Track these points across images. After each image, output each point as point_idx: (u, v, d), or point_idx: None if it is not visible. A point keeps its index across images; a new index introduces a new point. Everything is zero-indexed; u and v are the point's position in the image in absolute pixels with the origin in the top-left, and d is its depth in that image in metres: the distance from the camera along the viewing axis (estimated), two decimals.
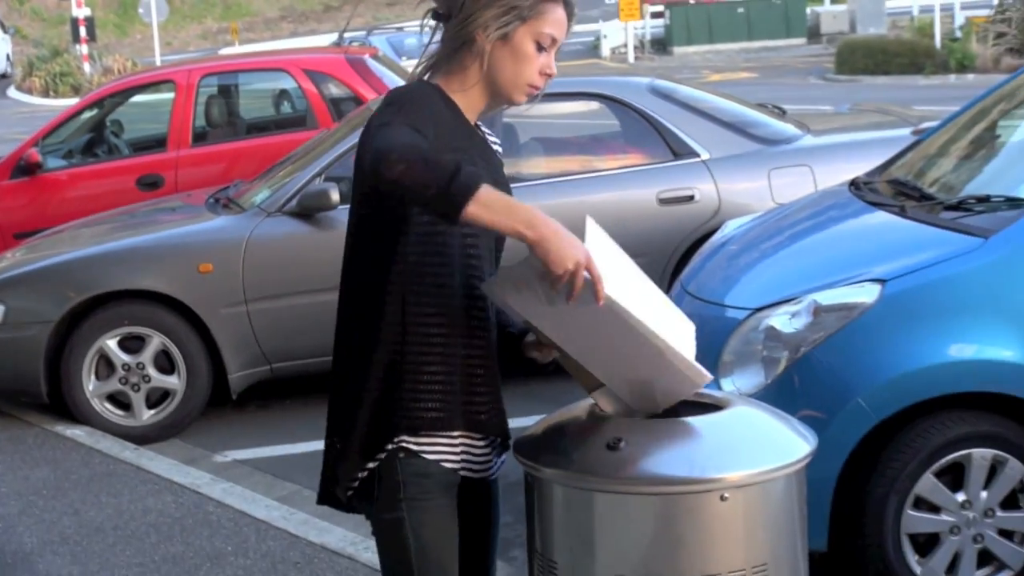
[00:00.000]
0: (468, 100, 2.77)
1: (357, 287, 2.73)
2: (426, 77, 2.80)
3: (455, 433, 2.67)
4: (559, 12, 2.73)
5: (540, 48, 2.71)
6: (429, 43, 2.84)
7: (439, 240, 2.65)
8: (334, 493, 2.78)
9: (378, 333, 2.64)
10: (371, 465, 2.66)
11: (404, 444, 2.63)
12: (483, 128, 2.91)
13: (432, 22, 2.81)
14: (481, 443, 2.74)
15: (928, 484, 4.19)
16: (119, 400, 6.90)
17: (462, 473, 2.72)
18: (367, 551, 4.98)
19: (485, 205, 2.40)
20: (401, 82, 10.01)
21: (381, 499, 2.67)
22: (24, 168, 9.39)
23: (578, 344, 2.58)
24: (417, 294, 2.63)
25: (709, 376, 2.66)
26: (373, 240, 2.69)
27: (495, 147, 2.93)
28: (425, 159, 2.43)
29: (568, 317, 2.51)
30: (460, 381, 2.66)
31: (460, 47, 2.72)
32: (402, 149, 2.43)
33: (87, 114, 10.07)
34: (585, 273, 2.38)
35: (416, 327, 2.63)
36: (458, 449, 2.69)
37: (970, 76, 24.73)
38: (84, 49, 36.71)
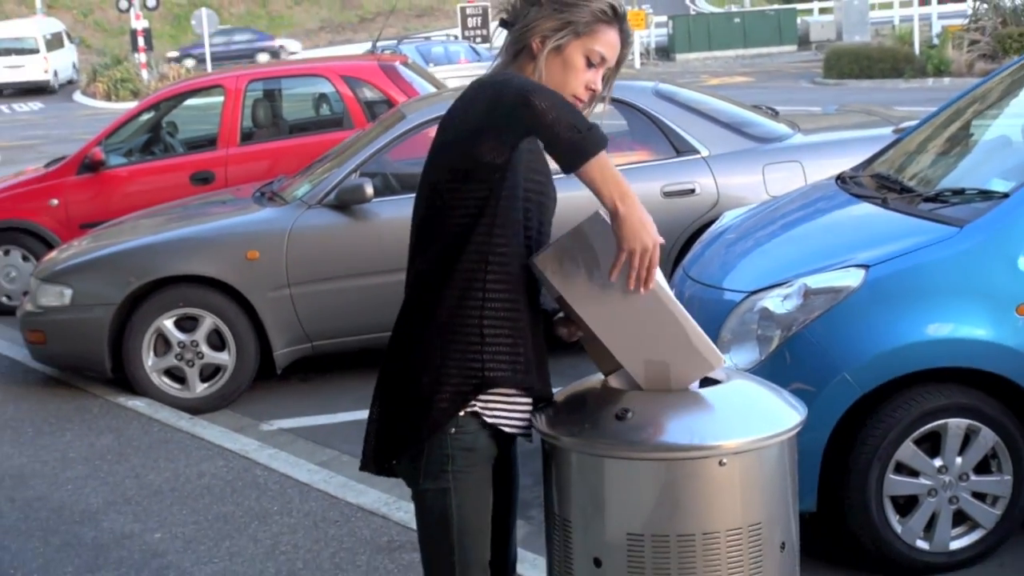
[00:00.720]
0: None
1: (431, 265, 2.67)
2: None
3: (520, 394, 2.70)
4: (612, 34, 2.72)
5: (590, 64, 2.70)
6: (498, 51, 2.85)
7: (513, 217, 2.66)
8: (377, 460, 2.79)
9: (455, 303, 2.63)
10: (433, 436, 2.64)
11: (474, 408, 2.64)
12: None
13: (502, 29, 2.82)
14: (529, 405, 2.73)
15: (908, 451, 4.18)
16: (175, 374, 6.92)
17: (517, 433, 2.74)
18: (399, 511, 4.99)
19: (601, 166, 2.48)
20: (429, 87, 10.10)
21: (429, 470, 2.68)
22: (89, 165, 9.42)
23: (606, 322, 2.59)
24: (494, 265, 2.63)
25: (724, 359, 2.69)
26: (450, 216, 2.64)
27: None
28: (570, 104, 2.52)
29: (603, 295, 2.55)
30: (526, 348, 2.68)
31: (520, 51, 2.72)
32: (549, 91, 2.50)
33: (145, 116, 10.09)
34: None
35: (491, 299, 2.64)
36: (519, 411, 2.71)
37: (946, 80, 24.61)
38: (142, 57, 36.86)
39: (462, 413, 2.64)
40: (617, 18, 2.73)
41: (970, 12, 28.32)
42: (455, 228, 2.63)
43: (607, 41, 2.72)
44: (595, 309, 2.58)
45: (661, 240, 2.51)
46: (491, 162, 2.57)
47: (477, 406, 2.64)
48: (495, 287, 2.63)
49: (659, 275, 2.57)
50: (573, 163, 2.46)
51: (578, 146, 2.45)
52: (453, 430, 2.65)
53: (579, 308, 2.59)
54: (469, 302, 2.63)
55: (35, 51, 43.20)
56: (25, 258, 9.52)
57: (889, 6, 41.27)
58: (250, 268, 6.87)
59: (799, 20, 42.17)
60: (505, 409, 2.70)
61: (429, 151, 2.74)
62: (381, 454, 2.77)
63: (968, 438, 4.21)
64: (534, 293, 2.71)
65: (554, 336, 2.83)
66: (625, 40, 2.77)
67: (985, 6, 27.21)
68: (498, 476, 2.78)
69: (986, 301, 4.18)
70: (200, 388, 6.91)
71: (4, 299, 9.54)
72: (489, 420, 2.67)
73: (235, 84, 9.74)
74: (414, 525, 4.79)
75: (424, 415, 2.64)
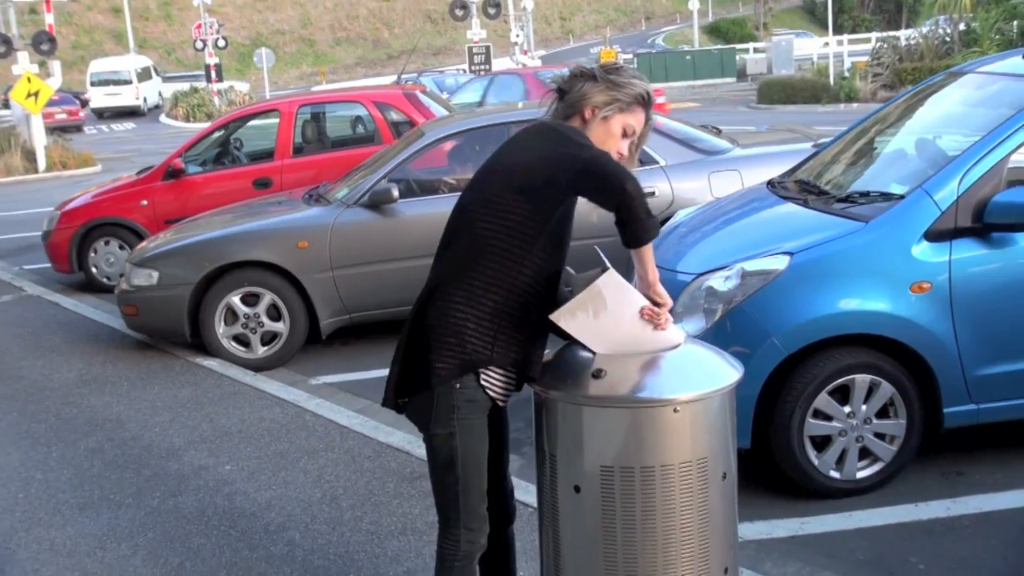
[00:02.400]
0: None
1: (483, 257, 2.66)
2: None
3: (511, 372, 2.73)
4: (643, 114, 2.82)
5: (624, 134, 2.78)
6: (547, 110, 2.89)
7: (558, 233, 2.71)
8: (395, 396, 2.82)
9: (481, 292, 2.65)
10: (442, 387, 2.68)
11: (483, 373, 2.69)
12: None
13: (554, 95, 2.85)
14: (515, 379, 2.77)
15: (823, 400, 4.19)
16: (241, 340, 6.91)
17: (500, 401, 2.77)
18: (419, 448, 4.95)
19: (650, 248, 2.61)
20: (443, 110, 10.08)
21: (438, 417, 2.71)
22: (172, 173, 9.40)
23: (603, 342, 2.65)
24: (530, 268, 2.66)
25: (684, 336, 2.74)
26: (511, 223, 2.64)
27: None
28: (645, 195, 2.59)
29: (605, 328, 2.64)
30: (530, 341, 2.72)
31: (572, 115, 2.78)
32: (635, 178, 2.56)
33: (216, 134, 10.05)
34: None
35: (515, 298, 2.66)
36: (508, 383, 2.76)
37: (855, 105, 24.60)
38: (214, 87, 36.74)
39: (473, 374, 2.68)
40: (649, 103, 2.83)
41: (873, 50, 28.35)
42: (503, 234, 2.64)
43: (640, 119, 2.82)
44: (598, 338, 2.65)
45: (670, 302, 2.68)
46: (557, 195, 2.63)
47: (480, 373, 2.69)
48: (524, 289, 2.67)
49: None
50: (639, 242, 2.57)
51: (648, 231, 2.55)
52: (458, 385, 2.68)
53: (587, 341, 2.65)
54: (489, 299, 2.65)
55: (128, 82, 43.20)
56: (121, 247, 9.52)
57: (809, 46, 41.23)
58: (300, 255, 6.86)
59: (738, 57, 42.14)
60: (499, 380, 2.74)
61: (488, 170, 2.76)
62: (399, 390, 2.80)
63: (871, 390, 4.22)
64: (550, 297, 2.75)
65: None
66: (648, 121, 2.85)
67: (885, 46, 27.22)
68: (492, 425, 2.80)
69: (886, 281, 4.18)
70: (261, 351, 6.91)
71: (105, 280, 9.55)
72: (483, 384, 2.71)
73: (288, 108, 9.71)
74: None
75: (440, 371, 2.66)
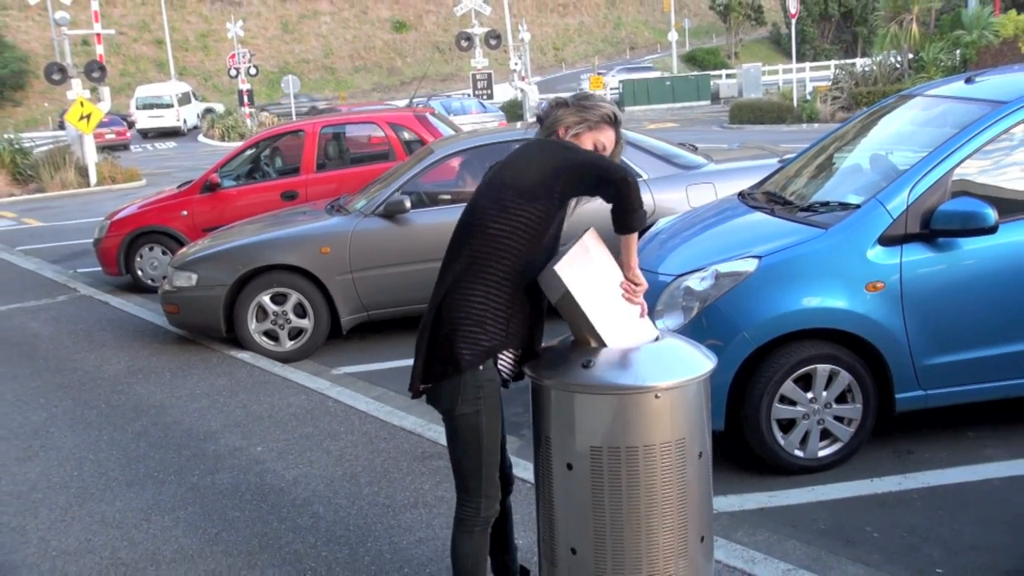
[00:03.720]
0: None
1: (498, 255, 2.70)
2: None
3: (515, 353, 2.81)
4: (611, 132, 2.87)
5: (595, 149, 2.83)
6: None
7: (548, 232, 2.74)
8: (423, 380, 2.80)
9: (496, 288, 2.70)
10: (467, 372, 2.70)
11: (500, 356, 2.76)
12: None
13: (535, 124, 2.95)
14: (519, 361, 2.83)
15: (789, 387, 4.18)
16: (270, 335, 6.91)
17: (508, 377, 2.84)
18: (430, 431, 5.00)
19: (634, 237, 2.75)
20: (449, 130, 10.08)
21: (465, 398, 2.72)
22: (209, 187, 9.40)
23: (594, 301, 2.69)
24: (538, 262, 2.72)
25: (656, 332, 2.76)
26: (523, 224, 2.69)
27: None
28: (638, 200, 2.68)
29: (595, 284, 2.72)
30: (536, 320, 2.82)
31: (550, 136, 2.85)
32: (633, 175, 2.67)
33: (249, 152, 10.05)
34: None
35: (529, 284, 2.73)
36: (513, 363, 2.82)
37: (816, 125, 24.55)
38: (246, 110, 36.71)
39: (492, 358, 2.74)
40: (616, 123, 2.88)
41: (832, 76, 28.31)
42: (515, 234, 2.69)
43: (609, 136, 2.87)
44: (592, 300, 2.69)
45: (646, 285, 2.80)
46: (564, 196, 2.72)
47: (498, 356, 2.75)
48: (531, 280, 2.73)
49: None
50: (628, 229, 2.71)
51: (638, 220, 2.68)
52: (481, 367, 2.71)
53: (578, 293, 2.67)
54: (504, 291, 2.70)
55: (170, 106, 43.18)
56: (164, 253, 9.52)
57: (776, 72, 41.23)
58: (324, 259, 6.86)
59: (712, 82, 42.07)
60: (509, 361, 2.81)
61: (498, 179, 2.78)
62: (424, 377, 2.78)
63: (831, 378, 4.21)
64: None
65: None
66: (619, 138, 2.89)
67: (843, 72, 27.19)
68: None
69: (844, 281, 4.17)
70: (288, 344, 6.90)
71: (149, 281, 9.54)
72: (499, 367, 2.77)
73: (312, 128, 9.71)
74: (442, 441, 4.85)
75: (468, 357, 2.69)
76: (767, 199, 5.08)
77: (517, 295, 2.72)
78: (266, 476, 4.63)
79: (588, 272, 2.69)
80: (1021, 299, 4.22)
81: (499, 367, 2.77)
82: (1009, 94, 4.50)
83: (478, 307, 2.69)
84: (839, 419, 4.27)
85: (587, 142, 2.83)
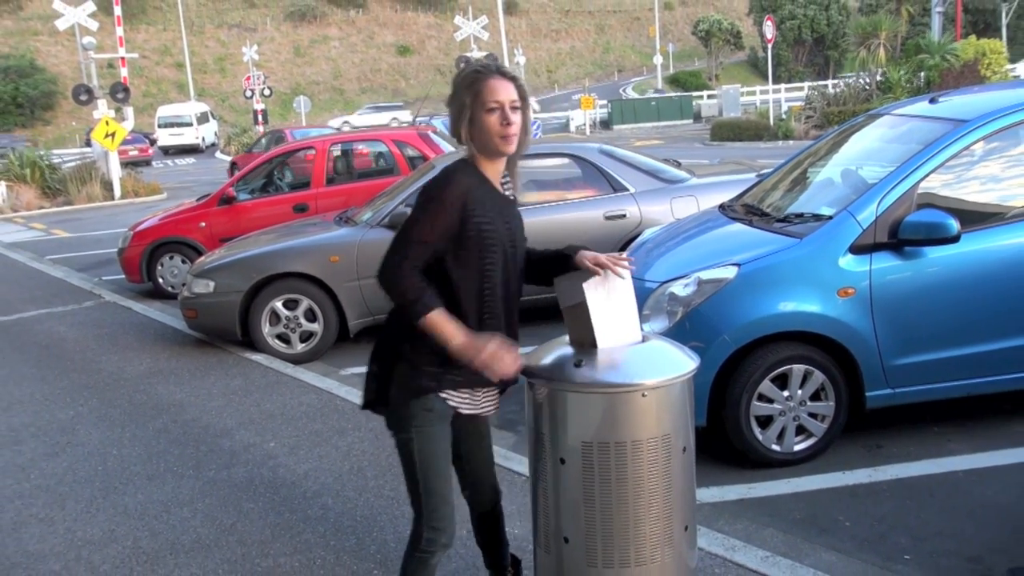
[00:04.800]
0: (489, 167, 2.50)
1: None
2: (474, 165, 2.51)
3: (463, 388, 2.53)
4: (493, 82, 2.39)
5: (494, 111, 2.39)
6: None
7: (491, 272, 2.46)
8: (371, 405, 2.62)
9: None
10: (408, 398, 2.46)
11: (441, 393, 2.49)
12: (504, 182, 2.60)
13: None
14: (480, 392, 2.58)
15: (766, 386, 4.18)
16: (283, 338, 6.88)
17: (462, 411, 2.56)
18: None
19: (432, 326, 2.35)
20: (450, 147, 10.07)
21: (400, 424, 2.53)
22: (226, 200, 9.39)
23: (599, 311, 2.59)
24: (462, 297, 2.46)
25: (641, 334, 2.69)
26: (447, 265, 2.44)
27: (508, 193, 2.61)
28: (401, 293, 2.34)
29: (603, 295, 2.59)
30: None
31: (464, 142, 2.48)
32: (387, 270, 2.37)
33: (263, 167, 10.05)
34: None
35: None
36: (462, 395, 2.55)
37: (791, 142, 24.59)
38: (260, 128, 36.66)
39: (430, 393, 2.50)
40: (490, 71, 2.41)
41: (806, 97, 28.38)
42: (449, 277, 2.46)
43: (493, 89, 2.38)
44: (599, 304, 2.59)
45: (487, 351, 2.36)
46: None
47: (443, 394, 2.51)
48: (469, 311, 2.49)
49: (631, 296, 2.60)
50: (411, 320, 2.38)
51: (409, 314, 2.37)
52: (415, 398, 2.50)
53: (593, 306, 2.58)
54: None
55: (190, 124, 43.19)
56: (183, 261, 9.50)
57: (753, 93, 41.33)
58: (333, 267, 6.84)
59: (694, 103, 42.15)
60: (458, 396, 2.54)
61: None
62: (375, 402, 2.60)
63: (806, 377, 4.21)
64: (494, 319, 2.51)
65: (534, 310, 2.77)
66: (509, 77, 2.41)
67: (816, 93, 27.27)
68: (473, 428, 2.69)
69: (817, 287, 4.17)
70: (300, 347, 6.88)
71: (170, 288, 9.52)
72: (445, 398, 2.51)
73: (322, 145, 9.70)
74: None
75: (411, 387, 2.49)
76: (746, 211, 5.08)
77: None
78: (278, 470, 4.61)
79: (601, 283, 2.62)
80: (981, 304, 4.23)
81: (444, 397, 2.50)
82: (970, 113, 4.50)
83: (412, 345, 2.48)
84: (813, 416, 4.26)
85: (480, 116, 2.39)
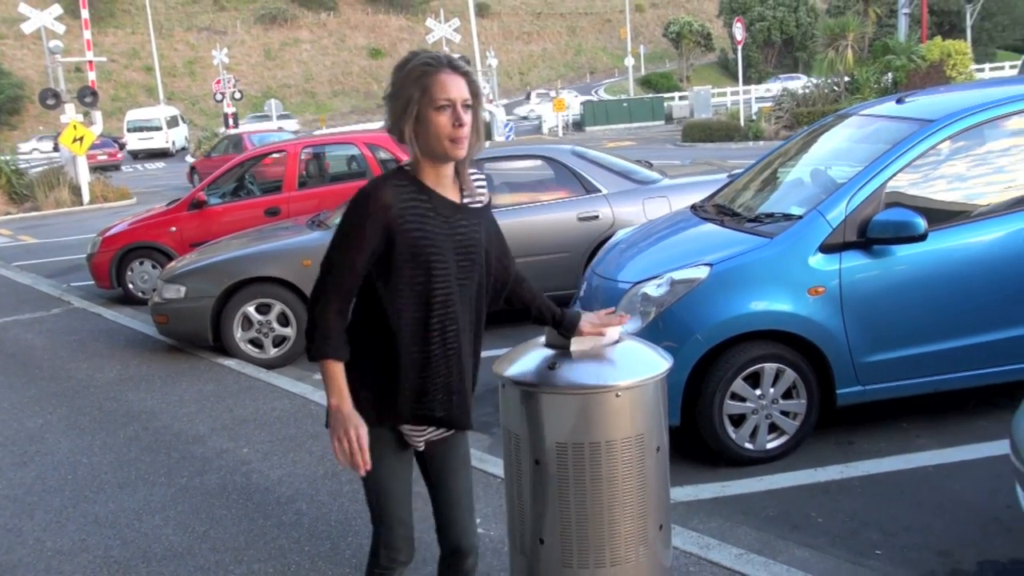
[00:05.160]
0: (434, 174, 2.23)
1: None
2: (411, 172, 2.24)
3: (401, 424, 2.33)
4: (444, 77, 2.13)
5: (444, 109, 2.13)
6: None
7: (437, 292, 2.22)
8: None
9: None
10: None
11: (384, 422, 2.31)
12: (470, 181, 2.34)
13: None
14: (420, 429, 2.35)
15: (739, 385, 4.20)
16: (255, 342, 6.84)
17: (411, 442, 2.38)
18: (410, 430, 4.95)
19: (323, 372, 2.21)
20: None
21: None
22: (196, 204, 9.30)
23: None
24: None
25: (617, 335, 2.69)
26: (378, 291, 2.24)
27: (480, 190, 2.37)
28: (311, 325, 2.18)
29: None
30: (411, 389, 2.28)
31: (407, 144, 2.20)
32: (311, 301, 2.20)
33: (234, 171, 9.96)
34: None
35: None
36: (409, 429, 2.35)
37: (761, 142, 24.79)
38: (238, 131, 36.33)
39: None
40: (441, 64, 2.14)
41: (776, 98, 28.61)
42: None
43: (444, 84, 2.12)
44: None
45: (340, 434, 2.20)
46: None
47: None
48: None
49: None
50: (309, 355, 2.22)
51: (309, 350, 2.21)
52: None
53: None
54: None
55: (159, 128, 42.77)
56: (154, 267, 9.40)
57: (724, 94, 41.63)
58: (305, 271, 6.79)
59: (665, 104, 42.39)
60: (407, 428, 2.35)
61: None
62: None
63: (777, 376, 4.24)
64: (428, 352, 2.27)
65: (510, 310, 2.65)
66: (461, 71, 2.16)
67: (785, 94, 27.51)
68: (441, 460, 2.46)
69: (788, 286, 4.20)
70: (273, 351, 6.83)
71: (140, 294, 9.42)
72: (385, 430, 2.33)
73: (294, 149, 9.65)
74: None
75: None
76: (717, 211, 5.11)
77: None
78: (252, 476, 4.57)
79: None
80: (949, 301, 4.28)
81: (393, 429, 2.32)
82: (936, 113, 4.56)
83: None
84: (785, 414, 4.30)
85: (429, 113, 2.13)
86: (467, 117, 2.16)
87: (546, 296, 2.63)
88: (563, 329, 2.55)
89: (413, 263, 2.18)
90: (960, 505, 3.76)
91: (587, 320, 2.55)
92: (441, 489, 2.48)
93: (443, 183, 2.26)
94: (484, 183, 2.42)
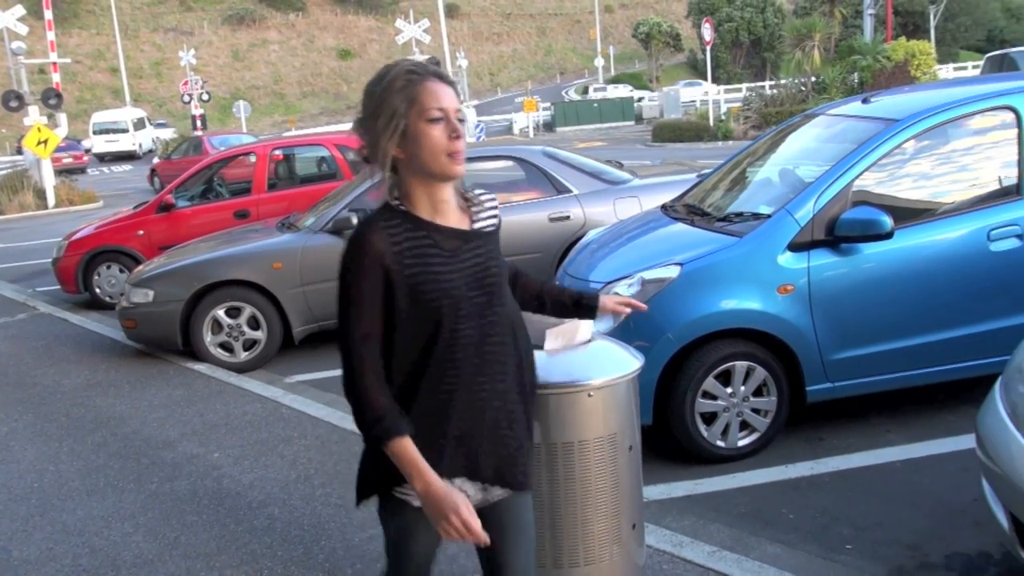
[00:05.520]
0: (429, 202, 1.94)
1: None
2: (401, 207, 1.94)
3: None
4: (433, 85, 1.88)
5: (437, 121, 1.87)
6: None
7: (449, 338, 1.94)
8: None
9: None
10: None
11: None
12: (476, 199, 2.06)
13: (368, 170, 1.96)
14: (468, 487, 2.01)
15: (710, 383, 4.23)
16: (225, 346, 6.77)
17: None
18: None
19: (395, 455, 1.88)
20: None
21: (381, 510, 2.10)
22: (164, 207, 9.19)
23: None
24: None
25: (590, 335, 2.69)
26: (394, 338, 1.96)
27: (490, 211, 2.07)
28: (356, 409, 1.90)
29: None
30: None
31: (391, 169, 1.91)
32: (347, 382, 1.91)
33: (202, 173, 9.87)
34: None
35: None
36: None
37: (730, 142, 24.92)
38: (199, 134, 36.00)
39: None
40: (428, 72, 1.89)
41: (744, 98, 28.84)
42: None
43: (435, 93, 1.87)
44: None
45: (459, 519, 1.84)
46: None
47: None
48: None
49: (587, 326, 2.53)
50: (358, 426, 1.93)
51: (358, 421, 1.92)
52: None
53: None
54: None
55: (125, 130, 42.19)
56: (121, 271, 9.28)
57: (693, 94, 41.86)
58: (276, 274, 6.75)
59: (636, 104, 42.56)
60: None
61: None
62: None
63: (748, 374, 4.27)
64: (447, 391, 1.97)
65: None
66: (448, 82, 1.91)
67: (754, 94, 27.76)
68: (504, 534, 2.08)
69: (758, 285, 4.23)
70: (243, 355, 6.77)
71: (107, 299, 9.29)
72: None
73: (264, 150, 9.57)
74: None
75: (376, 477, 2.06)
76: (687, 211, 5.13)
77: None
78: (223, 481, 4.52)
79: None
80: (916, 298, 4.34)
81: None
82: (901, 112, 4.62)
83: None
84: (756, 411, 4.33)
85: (419, 126, 1.86)
86: (459, 125, 1.89)
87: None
88: (584, 309, 2.43)
89: (416, 311, 1.89)
90: (928, 499, 3.81)
91: (608, 297, 2.50)
92: (496, 562, 2.10)
93: (442, 209, 1.96)
94: (495, 203, 2.11)
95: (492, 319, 1.97)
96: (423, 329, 1.90)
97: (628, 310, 2.52)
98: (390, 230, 1.89)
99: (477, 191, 2.07)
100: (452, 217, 1.98)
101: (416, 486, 1.88)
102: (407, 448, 1.88)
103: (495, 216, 2.09)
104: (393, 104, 1.88)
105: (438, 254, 1.91)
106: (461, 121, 1.91)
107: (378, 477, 2.00)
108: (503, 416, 2.00)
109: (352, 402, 1.92)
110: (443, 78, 1.91)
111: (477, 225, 2.03)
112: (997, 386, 3.11)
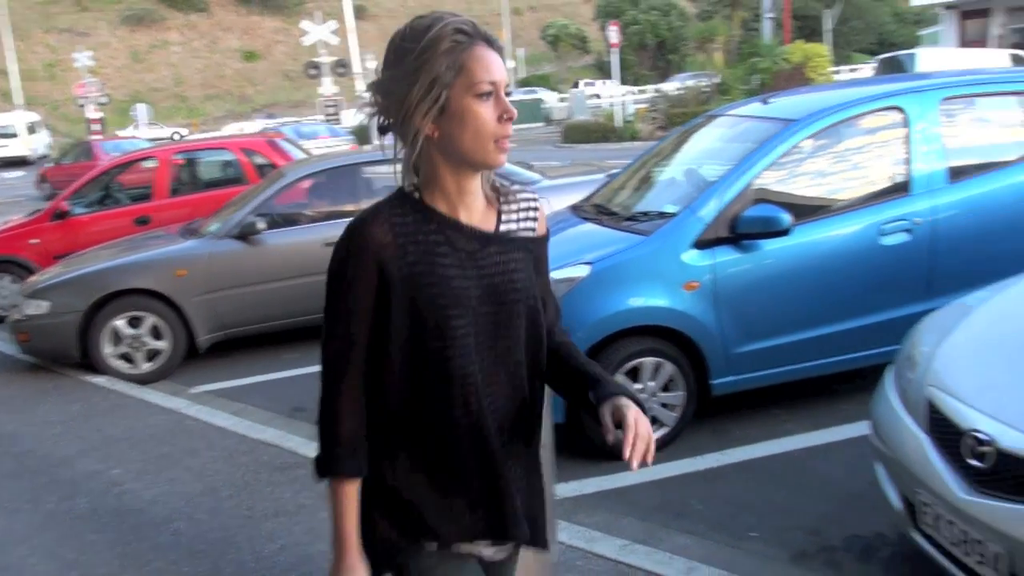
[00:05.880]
0: (457, 191, 1.58)
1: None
2: (416, 194, 1.59)
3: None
4: (482, 52, 1.51)
5: (487, 97, 1.51)
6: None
7: (453, 354, 1.60)
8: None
9: None
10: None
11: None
12: (509, 193, 1.67)
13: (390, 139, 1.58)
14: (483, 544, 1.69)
15: (620, 380, 4.26)
16: (127, 357, 6.54)
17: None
18: (288, 442, 4.85)
19: (332, 495, 1.59)
20: (300, 154, 9.82)
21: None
22: (59, 214, 8.82)
23: None
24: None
25: None
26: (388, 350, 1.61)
27: (526, 212, 1.68)
28: (320, 427, 1.60)
29: None
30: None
31: (417, 146, 1.53)
32: (322, 398, 1.60)
33: (100, 179, 9.50)
34: None
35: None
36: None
37: (637, 143, 25.17)
38: (96, 138, 34.69)
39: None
40: (478, 35, 1.52)
41: (650, 99, 29.37)
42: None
43: (486, 62, 1.50)
44: None
45: None
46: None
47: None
48: None
49: None
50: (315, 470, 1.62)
51: (319, 464, 1.60)
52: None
53: None
54: None
55: (16, 135, 40.37)
56: (14, 281, 8.85)
57: (599, 95, 42.42)
58: (179, 282, 6.56)
59: (544, 105, 42.85)
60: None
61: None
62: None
63: (656, 369, 4.35)
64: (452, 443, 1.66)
65: None
66: (498, 49, 1.53)
67: (659, 95, 28.30)
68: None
69: (664, 282, 4.31)
70: (145, 366, 6.54)
71: None
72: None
73: (165, 155, 9.30)
74: (301, 451, 4.71)
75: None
76: (596, 210, 5.19)
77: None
78: (124, 497, 4.36)
79: None
80: (812, 292, 4.49)
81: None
82: (798, 113, 4.78)
83: None
84: (665, 406, 4.41)
85: (465, 101, 1.50)
86: (511, 106, 1.53)
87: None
88: (588, 404, 1.82)
89: (416, 321, 1.56)
90: (827, 484, 3.95)
91: (608, 410, 1.76)
92: None
93: (468, 203, 1.60)
94: (536, 204, 1.71)
95: (502, 346, 1.63)
96: (423, 344, 1.56)
97: (611, 437, 1.73)
98: (396, 220, 1.55)
99: (515, 186, 1.71)
100: (476, 213, 1.61)
101: (334, 552, 1.57)
102: (348, 498, 1.57)
103: (533, 220, 1.69)
104: (435, 69, 1.48)
105: (449, 253, 1.57)
106: (508, 96, 1.55)
107: (394, 535, 1.61)
108: (514, 468, 1.69)
109: (320, 419, 1.61)
110: (493, 43, 1.54)
111: (505, 227, 1.64)
112: (888, 374, 3.25)
